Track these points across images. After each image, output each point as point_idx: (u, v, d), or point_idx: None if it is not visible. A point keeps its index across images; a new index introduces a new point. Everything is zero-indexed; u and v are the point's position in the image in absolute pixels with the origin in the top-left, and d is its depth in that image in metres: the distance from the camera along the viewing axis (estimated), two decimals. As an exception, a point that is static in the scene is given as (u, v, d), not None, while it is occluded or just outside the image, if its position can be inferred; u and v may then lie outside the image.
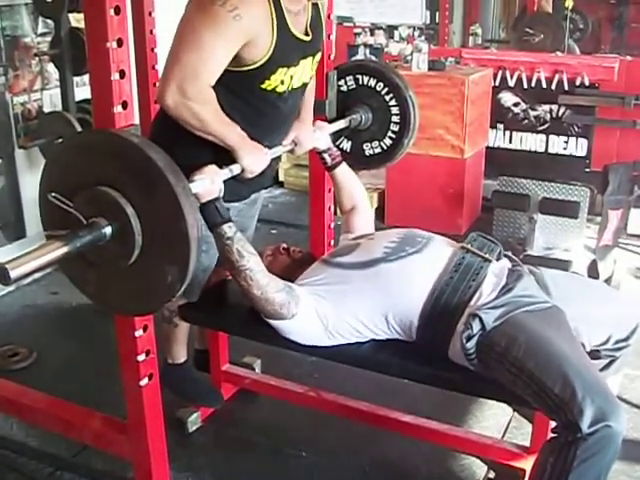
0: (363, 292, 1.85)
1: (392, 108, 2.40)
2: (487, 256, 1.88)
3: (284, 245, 2.12)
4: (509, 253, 2.00)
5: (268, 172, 2.10)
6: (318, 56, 2.05)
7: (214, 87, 1.81)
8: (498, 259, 1.92)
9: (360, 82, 2.43)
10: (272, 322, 1.87)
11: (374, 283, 1.85)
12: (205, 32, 1.74)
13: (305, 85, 2.06)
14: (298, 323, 1.86)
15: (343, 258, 1.94)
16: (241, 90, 1.90)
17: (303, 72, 1.98)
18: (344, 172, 2.26)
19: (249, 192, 2.14)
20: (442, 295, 1.81)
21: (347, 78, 2.45)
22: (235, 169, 1.86)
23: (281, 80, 1.90)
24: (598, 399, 1.53)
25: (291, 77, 1.93)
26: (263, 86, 1.89)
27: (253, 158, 1.91)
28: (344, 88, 2.45)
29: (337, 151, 2.27)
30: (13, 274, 1.29)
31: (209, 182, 1.73)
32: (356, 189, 2.27)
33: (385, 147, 2.45)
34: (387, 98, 2.41)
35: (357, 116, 2.41)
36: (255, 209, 2.32)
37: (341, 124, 2.34)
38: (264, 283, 1.80)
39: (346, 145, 2.50)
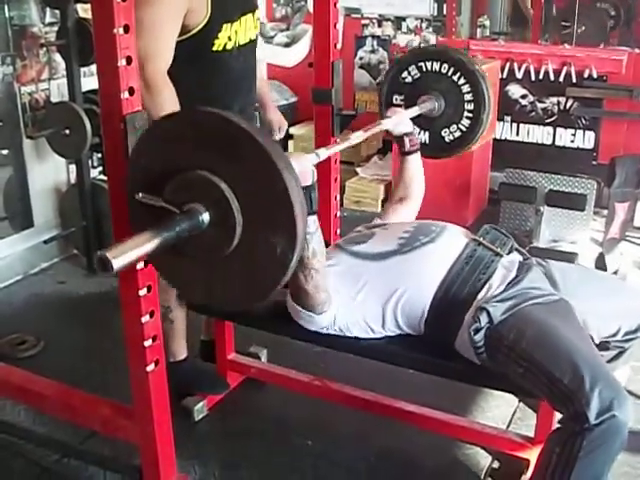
0: (376, 287, 1.86)
1: (462, 87, 2.32)
2: (498, 250, 1.88)
3: None
4: (519, 247, 2.00)
5: None
6: (257, 13, 2.17)
7: (173, 66, 1.88)
8: (509, 253, 1.92)
9: (424, 69, 2.37)
10: (295, 310, 1.87)
11: (388, 276, 1.86)
12: (145, 14, 1.78)
13: (252, 41, 2.14)
14: (320, 320, 1.86)
15: (359, 247, 1.94)
16: (196, 57, 1.98)
17: (246, 28, 2.09)
18: (415, 161, 2.27)
19: None
20: (452, 286, 1.81)
21: (409, 69, 2.40)
22: (322, 154, 1.76)
23: (228, 37, 2.00)
24: (605, 389, 1.53)
25: (236, 32, 2.04)
26: (214, 48, 1.99)
27: None
28: (409, 79, 2.40)
29: (417, 137, 2.27)
30: (116, 264, 1.22)
31: (297, 166, 1.60)
32: (416, 183, 2.28)
33: (464, 128, 2.37)
34: (455, 78, 2.33)
35: (429, 103, 2.34)
36: None
37: (415, 110, 2.29)
38: (320, 284, 1.77)
39: (424, 137, 2.43)
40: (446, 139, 2.41)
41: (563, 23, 5.67)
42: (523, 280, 1.81)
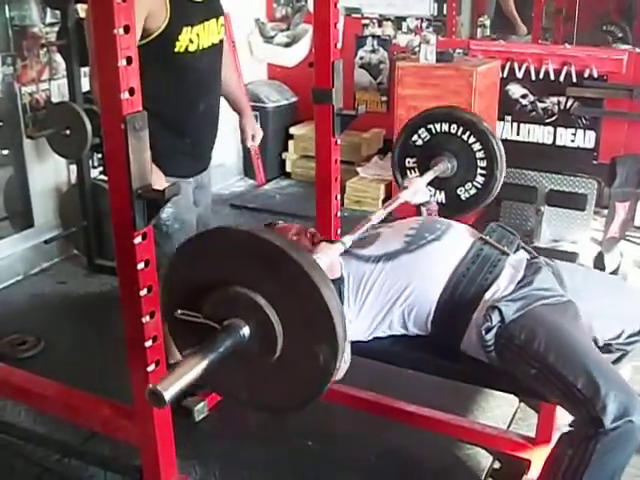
0: (384, 288, 1.84)
1: (473, 145, 2.34)
2: (505, 249, 1.87)
3: (312, 230, 2.07)
4: (526, 246, 2.00)
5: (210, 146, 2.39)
6: (221, 19, 2.27)
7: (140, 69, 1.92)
8: (516, 251, 1.92)
9: (433, 131, 2.38)
10: None
11: (395, 276, 1.84)
12: None
13: (215, 45, 2.24)
14: None
15: (364, 250, 1.91)
16: (160, 59, 2.07)
17: (209, 32, 2.20)
18: None
19: (197, 169, 2.35)
20: (458, 286, 1.80)
21: (419, 131, 2.41)
22: (347, 241, 1.74)
23: (189, 39, 2.11)
24: (621, 394, 1.53)
25: (198, 35, 2.14)
26: (176, 49, 2.09)
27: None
28: (419, 142, 2.41)
29: (435, 205, 2.27)
30: (167, 396, 1.22)
31: (326, 259, 1.64)
32: None
33: (479, 185, 2.37)
34: (465, 137, 2.34)
35: (442, 165, 2.35)
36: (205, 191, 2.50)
37: (430, 175, 2.30)
38: (345, 367, 1.74)
39: (440, 197, 2.44)
40: (462, 197, 2.41)
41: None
42: (534, 281, 1.80)
